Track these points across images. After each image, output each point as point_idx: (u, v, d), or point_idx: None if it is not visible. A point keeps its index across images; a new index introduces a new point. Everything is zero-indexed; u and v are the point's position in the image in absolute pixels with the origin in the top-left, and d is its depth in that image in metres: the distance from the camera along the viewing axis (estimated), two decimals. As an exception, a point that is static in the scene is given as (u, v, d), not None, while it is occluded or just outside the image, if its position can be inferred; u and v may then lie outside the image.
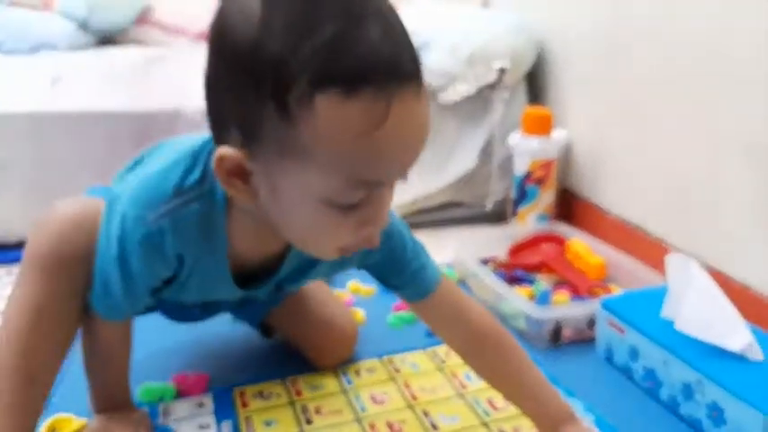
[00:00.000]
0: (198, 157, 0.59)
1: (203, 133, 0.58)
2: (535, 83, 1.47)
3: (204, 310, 0.80)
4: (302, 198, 0.51)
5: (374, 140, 0.47)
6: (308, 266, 0.69)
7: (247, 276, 0.67)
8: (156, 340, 0.89)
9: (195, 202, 0.58)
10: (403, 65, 0.48)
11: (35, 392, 0.62)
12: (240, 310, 0.86)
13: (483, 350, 0.70)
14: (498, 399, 0.79)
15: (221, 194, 0.58)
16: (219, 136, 0.53)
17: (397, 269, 0.67)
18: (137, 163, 0.72)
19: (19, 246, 1.22)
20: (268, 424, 0.76)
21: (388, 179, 0.52)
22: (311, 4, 0.46)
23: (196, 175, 0.58)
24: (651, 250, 1.11)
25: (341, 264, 0.67)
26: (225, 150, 0.51)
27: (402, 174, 0.52)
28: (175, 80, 1.41)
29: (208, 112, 0.53)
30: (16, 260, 1.19)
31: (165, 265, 0.61)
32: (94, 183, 0.75)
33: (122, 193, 0.60)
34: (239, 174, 0.52)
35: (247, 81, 0.47)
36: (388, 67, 0.46)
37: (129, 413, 0.73)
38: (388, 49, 0.47)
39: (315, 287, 0.86)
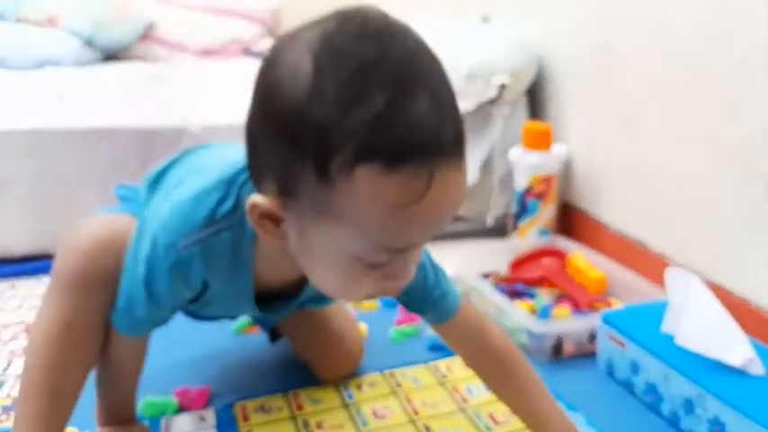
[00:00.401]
0: (232, 184, 0.59)
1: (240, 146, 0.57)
2: (535, 98, 1.48)
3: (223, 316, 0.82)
4: (330, 251, 0.51)
5: (410, 212, 0.47)
6: None
7: (268, 296, 0.68)
8: (158, 354, 0.88)
9: (226, 231, 0.59)
10: (447, 139, 0.47)
11: (61, 407, 0.63)
12: (258, 317, 0.88)
13: (491, 366, 0.71)
14: (499, 413, 0.79)
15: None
16: (256, 180, 0.53)
17: (418, 298, 0.68)
18: (169, 167, 0.71)
19: (21, 260, 1.23)
20: (269, 438, 0.76)
21: (418, 244, 0.53)
22: (362, 69, 0.45)
23: (228, 205, 0.58)
24: (651, 264, 1.12)
25: None
26: (258, 199, 0.51)
27: (433, 236, 0.52)
28: (180, 96, 1.43)
29: (247, 157, 0.53)
30: (19, 274, 1.21)
31: (190, 290, 0.63)
32: (97, 199, 0.76)
33: (152, 217, 0.60)
34: (271, 217, 0.52)
35: (291, 141, 0.47)
36: (433, 142, 0.46)
37: (131, 427, 0.74)
38: (434, 122, 0.46)
39: None
